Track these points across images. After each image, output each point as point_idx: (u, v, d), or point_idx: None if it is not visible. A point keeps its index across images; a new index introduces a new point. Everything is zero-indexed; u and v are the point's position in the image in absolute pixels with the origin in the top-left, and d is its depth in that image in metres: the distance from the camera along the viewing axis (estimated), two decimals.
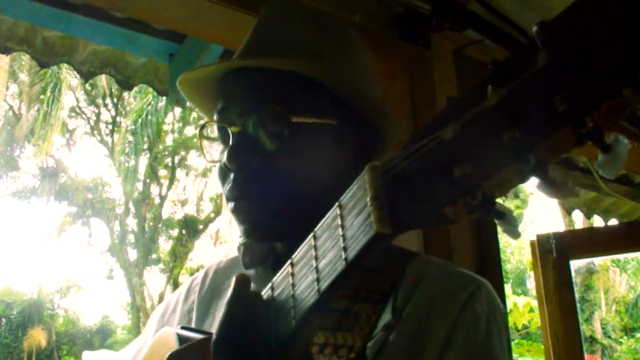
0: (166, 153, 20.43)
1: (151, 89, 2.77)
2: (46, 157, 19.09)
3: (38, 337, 20.21)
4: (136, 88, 3.20)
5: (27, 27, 2.13)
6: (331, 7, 1.75)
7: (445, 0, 2.01)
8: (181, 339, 0.80)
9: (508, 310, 10.44)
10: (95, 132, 19.96)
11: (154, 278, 22.32)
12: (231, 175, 0.88)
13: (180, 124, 19.58)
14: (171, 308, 1.10)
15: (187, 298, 1.09)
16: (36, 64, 2.35)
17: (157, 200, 20.61)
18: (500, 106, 0.45)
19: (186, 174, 21.01)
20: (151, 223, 20.60)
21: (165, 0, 1.75)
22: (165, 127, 19.17)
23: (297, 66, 0.89)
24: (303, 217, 0.74)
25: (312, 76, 0.89)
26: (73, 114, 19.84)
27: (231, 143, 0.88)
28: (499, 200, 0.48)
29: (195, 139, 18.47)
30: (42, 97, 15.67)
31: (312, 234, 0.63)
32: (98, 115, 19.81)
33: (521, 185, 0.48)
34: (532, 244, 3.24)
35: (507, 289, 17.46)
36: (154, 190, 20.56)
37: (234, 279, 0.70)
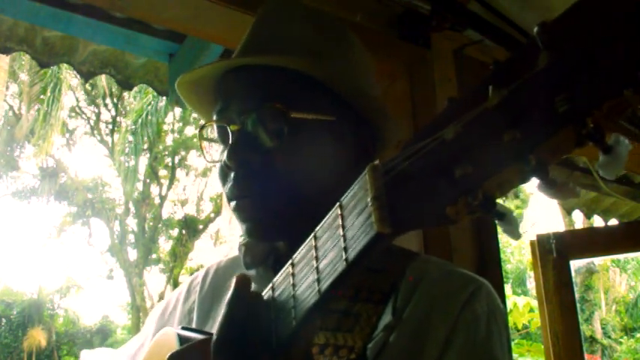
0: (166, 153, 20.43)
1: (150, 89, 2.77)
2: (46, 157, 19.09)
3: (38, 337, 20.21)
4: (136, 88, 3.20)
5: (27, 27, 2.13)
6: (331, 7, 1.75)
7: (445, 0, 2.01)
8: (182, 339, 0.80)
9: (508, 310, 10.44)
10: (95, 132, 19.96)
11: (154, 278, 22.32)
12: (232, 174, 0.88)
13: (181, 124, 19.59)
14: (171, 307, 1.10)
15: (188, 297, 1.09)
16: (36, 64, 2.35)
17: (157, 200, 20.61)
18: (501, 106, 0.45)
19: (186, 174, 21.02)
20: (151, 223, 20.60)
21: (165, 0, 1.75)
22: (165, 127, 19.18)
23: (299, 64, 0.89)
24: (304, 216, 0.74)
25: (312, 74, 0.89)
26: (73, 114, 19.85)
27: (230, 142, 0.87)
28: (500, 200, 0.48)
29: (195, 139, 18.47)
30: (42, 97, 15.67)
31: (313, 234, 0.63)
32: (98, 115, 19.82)
33: (522, 185, 0.48)
34: (532, 244, 3.24)
35: (507, 289, 17.45)
36: (154, 190, 20.58)
37: (234, 279, 0.70)
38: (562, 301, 3.10)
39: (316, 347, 0.82)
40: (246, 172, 0.87)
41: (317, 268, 0.60)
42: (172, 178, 20.44)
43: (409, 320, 0.83)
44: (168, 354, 0.74)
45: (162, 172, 20.75)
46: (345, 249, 0.56)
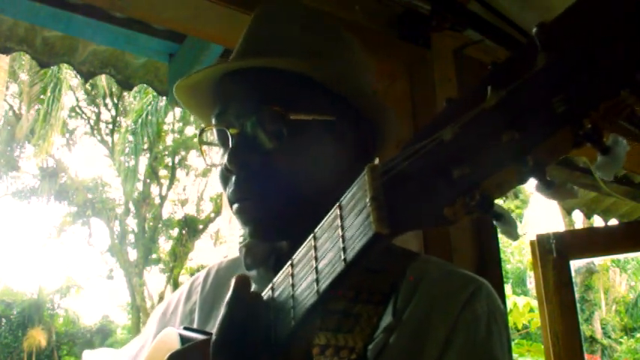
0: (166, 153, 20.44)
1: (150, 89, 2.77)
2: (46, 157, 19.10)
3: (38, 337, 20.21)
4: (136, 88, 3.20)
5: (27, 27, 2.13)
6: (331, 7, 1.75)
7: (445, 0, 2.01)
8: (184, 339, 0.80)
9: (508, 310, 10.44)
10: (95, 132, 19.97)
11: (154, 278, 22.35)
12: (233, 178, 0.88)
13: (181, 124, 19.60)
14: (172, 308, 1.10)
15: (189, 298, 1.09)
16: (36, 64, 2.35)
17: (157, 200, 20.62)
18: (500, 107, 0.45)
19: (187, 174, 21.03)
20: (151, 223, 20.60)
21: (165, 0, 1.75)
22: (165, 127, 19.18)
23: (298, 65, 0.89)
24: (305, 216, 0.74)
25: (312, 75, 0.89)
26: (73, 114, 19.85)
27: (230, 145, 0.87)
28: (499, 201, 0.48)
29: (195, 139, 18.47)
30: (42, 96, 15.68)
31: (312, 234, 0.63)
32: (98, 115, 19.82)
33: (522, 186, 0.48)
34: (532, 244, 3.24)
35: (507, 289, 17.44)
36: (154, 190, 20.59)
37: (233, 279, 0.70)
38: (562, 301, 3.10)
39: (317, 348, 0.82)
40: (247, 175, 0.87)
41: (316, 268, 0.60)
42: (172, 178, 20.45)
43: (409, 320, 0.83)
44: (169, 354, 0.74)
45: (163, 172, 20.76)
46: (344, 249, 0.56)
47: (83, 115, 20.06)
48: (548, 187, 0.44)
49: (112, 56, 2.30)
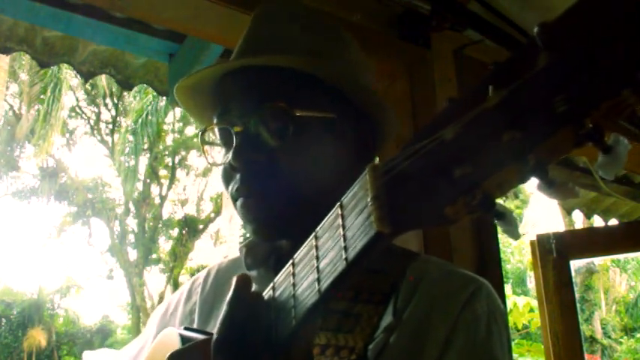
0: (166, 153, 20.44)
1: (151, 89, 2.77)
2: (46, 157, 19.10)
3: (38, 337, 20.21)
4: (136, 88, 3.20)
5: (27, 27, 2.13)
6: (331, 7, 1.75)
7: (445, 0, 2.01)
8: (184, 339, 0.80)
9: (508, 310, 10.44)
10: (95, 132, 19.97)
11: (154, 278, 22.34)
12: (237, 175, 0.89)
13: (181, 124, 19.60)
14: (172, 308, 1.10)
15: (189, 298, 1.09)
16: (36, 64, 2.35)
17: (157, 200, 20.62)
18: (501, 106, 0.45)
19: (187, 174, 21.03)
20: (151, 223, 20.60)
21: (165, 0, 1.75)
22: (165, 127, 19.19)
23: (299, 63, 0.90)
24: (306, 216, 0.74)
25: (312, 73, 0.89)
26: (73, 114, 19.86)
27: (234, 143, 0.88)
28: (500, 201, 0.48)
29: (195, 139, 18.47)
30: (42, 96, 15.69)
31: (313, 234, 0.63)
32: (98, 115, 19.83)
33: (522, 185, 0.48)
34: (532, 244, 3.24)
35: (507, 289, 17.45)
36: (154, 190, 20.59)
37: (234, 279, 0.70)
38: (562, 301, 3.10)
39: (317, 348, 0.82)
40: (252, 172, 0.87)
41: (317, 267, 0.60)
42: (172, 178, 20.45)
43: (409, 320, 0.83)
44: (168, 353, 0.74)
45: (163, 172, 20.76)
46: (345, 248, 0.56)
47: (83, 115, 20.08)
48: (550, 187, 0.44)
49: (112, 56, 2.30)
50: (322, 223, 0.62)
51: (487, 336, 0.82)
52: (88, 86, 17.29)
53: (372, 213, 0.52)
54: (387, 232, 0.51)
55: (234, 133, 0.88)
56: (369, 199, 0.53)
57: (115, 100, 18.89)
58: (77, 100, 19.37)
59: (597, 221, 4.36)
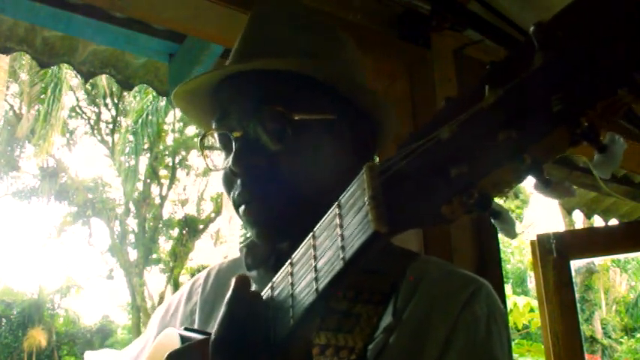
0: (167, 153, 20.43)
1: (151, 89, 2.77)
2: (46, 157, 19.09)
3: (38, 337, 20.21)
4: (136, 88, 3.20)
5: (27, 27, 2.13)
6: (331, 7, 1.75)
7: (445, 0, 2.01)
8: (184, 340, 0.80)
9: (508, 310, 10.43)
10: (95, 132, 19.96)
11: (154, 278, 22.33)
12: (238, 181, 0.88)
13: (181, 124, 19.58)
14: (173, 309, 1.10)
15: (189, 299, 1.09)
16: (36, 64, 2.35)
17: (158, 200, 20.61)
18: (497, 106, 0.45)
19: (187, 174, 21.02)
20: (151, 223, 20.59)
21: (165, 0, 1.75)
22: (165, 127, 19.17)
23: (297, 65, 0.90)
24: (306, 216, 0.74)
25: (311, 75, 0.89)
26: (74, 114, 19.85)
27: (234, 148, 0.88)
28: (500, 201, 0.48)
29: (195, 139, 18.46)
30: (42, 96, 15.69)
31: (311, 233, 0.63)
32: (98, 115, 19.82)
33: (522, 185, 0.48)
34: (532, 244, 3.24)
35: (507, 289, 17.44)
36: (155, 190, 20.58)
37: (233, 279, 0.70)
38: (562, 301, 3.10)
39: (317, 348, 0.82)
40: (253, 177, 0.87)
41: (315, 267, 0.60)
42: (173, 178, 20.44)
43: (409, 320, 0.83)
44: (167, 353, 0.74)
45: (163, 172, 20.75)
46: (343, 248, 0.56)
47: (83, 115, 20.07)
48: (546, 185, 0.44)
49: (112, 56, 2.30)
50: (320, 222, 0.62)
51: (487, 336, 0.82)
52: (88, 86, 17.28)
53: (370, 212, 0.52)
54: (384, 232, 0.51)
55: (234, 139, 0.88)
56: (366, 199, 0.53)
57: (115, 100, 18.88)
58: (77, 100, 19.37)
59: (597, 221, 4.36)
